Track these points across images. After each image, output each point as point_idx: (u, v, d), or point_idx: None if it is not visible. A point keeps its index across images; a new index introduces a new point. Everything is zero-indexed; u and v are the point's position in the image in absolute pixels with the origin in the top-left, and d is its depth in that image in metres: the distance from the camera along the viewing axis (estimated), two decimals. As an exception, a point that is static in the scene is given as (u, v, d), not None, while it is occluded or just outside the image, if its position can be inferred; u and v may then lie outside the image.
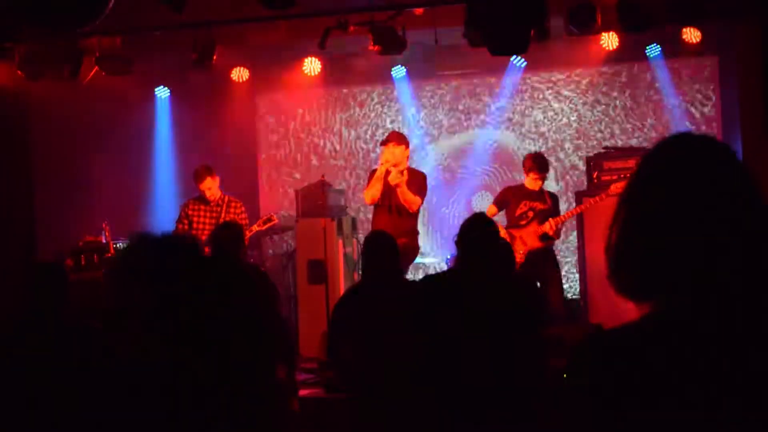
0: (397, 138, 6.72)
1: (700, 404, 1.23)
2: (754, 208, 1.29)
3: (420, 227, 6.89)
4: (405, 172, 6.52)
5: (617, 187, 6.64)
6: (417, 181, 6.64)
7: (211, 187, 7.09)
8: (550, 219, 6.75)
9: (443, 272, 4.36)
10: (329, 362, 4.74)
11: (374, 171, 6.75)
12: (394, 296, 4.36)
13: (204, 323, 1.30)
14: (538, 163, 6.83)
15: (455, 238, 4.10)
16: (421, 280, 4.33)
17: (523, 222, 6.81)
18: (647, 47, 8.06)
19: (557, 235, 6.89)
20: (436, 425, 4.12)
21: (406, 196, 6.50)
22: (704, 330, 1.26)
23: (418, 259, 7.23)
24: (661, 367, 1.25)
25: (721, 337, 1.25)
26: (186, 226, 7.17)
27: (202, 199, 7.16)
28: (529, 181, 6.87)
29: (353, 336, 4.39)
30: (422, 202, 6.70)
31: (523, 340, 3.92)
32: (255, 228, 7.09)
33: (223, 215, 7.09)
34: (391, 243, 4.51)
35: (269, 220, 7.17)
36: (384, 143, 6.73)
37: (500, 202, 7.02)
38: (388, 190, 6.63)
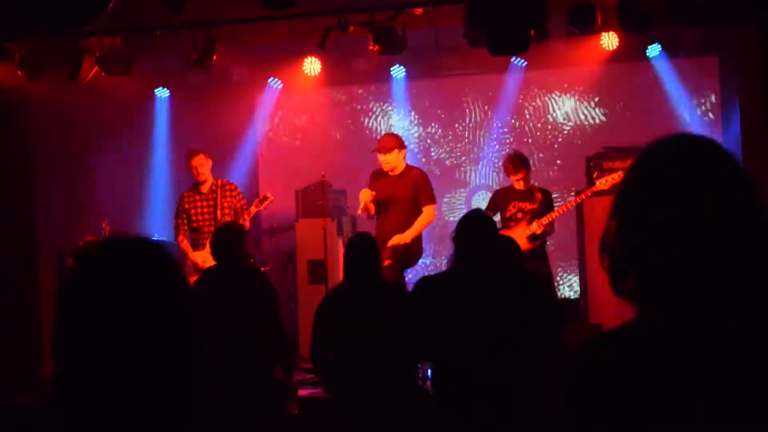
0: (387, 144, 6.64)
1: (683, 415, 1.21)
2: (748, 212, 1.27)
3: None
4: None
5: (602, 183, 6.66)
6: (422, 188, 6.62)
7: (203, 164, 7.09)
8: (536, 220, 6.71)
9: (441, 273, 4.34)
10: (314, 363, 4.76)
11: (376, 171, 6.78)
12: (370, 297, 4.38)
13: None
14: (512, 164, 6.83)
15: (453, 235, 4.07)
16: (418, 281, 4.32)
17: (513, 224, 6.80)
18: (647, 47, 8.06)
19: (547, 232, 6.85)
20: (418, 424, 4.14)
21: (420, 228, 6.57)
22: (690, 338, 1.24)
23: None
24: (647, 376, 1.23)
25: (708, 346, 1.23)
26: (185, 221, 7.16)
27: (195, 190, 7.15)
28: (514, 182, 6.88)
29: (333, 337, 4.41)
30: (435, 201, 6.74)
31: (527, 339, 3.90)
32: (253, 209, 7.06)
33: (219, 201, 7.07)
34: (369, 244, 4.53)
35: (265, 198, 7.11)
36: (374, 150, 6.73)
37: (492, 206, 7.01)
38: (387, 194, 6.62)
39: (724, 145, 1.38)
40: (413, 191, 6.58)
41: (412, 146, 9.15)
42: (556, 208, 6.88)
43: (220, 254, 4.92)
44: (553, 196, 7.23)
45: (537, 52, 7.09)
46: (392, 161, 6.60)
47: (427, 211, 6.59)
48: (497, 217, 6.97)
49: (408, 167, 6.76)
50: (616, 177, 6.64)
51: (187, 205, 7.16)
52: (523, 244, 6.68)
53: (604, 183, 6.67)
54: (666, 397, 1.22)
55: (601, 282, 6.83)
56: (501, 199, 6.98)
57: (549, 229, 6.82)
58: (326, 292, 6.68)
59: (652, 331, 1.26)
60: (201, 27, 6.94)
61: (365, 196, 6.55)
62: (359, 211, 6.67)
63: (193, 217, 7.14)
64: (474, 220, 4.13)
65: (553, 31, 6.63)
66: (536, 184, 7.11)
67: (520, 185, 6.86)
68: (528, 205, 6.80)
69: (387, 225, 6.61)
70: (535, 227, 6.67)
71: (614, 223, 1.33)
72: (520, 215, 6.80)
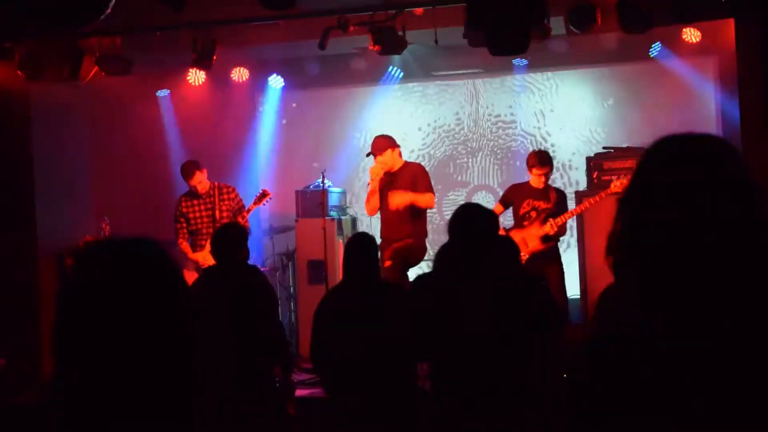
0: (379, 146, 6.67)
1: (683, 415, 1.21)
2: (748, 212, 1.27)
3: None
4: (404, 196, 6.46)
5: (617, 186, 6.62)
6: (420, 178, 6.62)
7: (202, 180, 7.11)
8: (550, 219, 6.72)
9: (438, 271, 4.27)
10: (314, 364, 4.75)
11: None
12: (370, 297, 4.37)
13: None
14: (540, 158, 6.81)
15: (447, 228, 3.98)
16: (415, 280, 4.29)
17: (526, 222, 6.79)
18: (648, 47, 8.05)
19: (560, 233, 6.85)
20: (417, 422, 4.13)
21: (419, 203, 6.51)
22: (690, 338, 1.24)
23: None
24: (647, 376, 1.23)
25: (708, 346, 1.23)
26: (184, 224, 7.17)
27: (192, 193, 7.16)
28: (534, 179, 6.86)
29: (333, 337, 4.40)
30: (434, 192, 6.72)
31: (527, 339, 3.89)
32: (252, 207, 7.09)
33: (216, 203, 7.08)
34: (369, 244, 4.53)
35: (263, 195, 7.14)
36: (368, 154, 6.77)
37: (505, 201, 7.01)
38: (387, 190, 6.62)
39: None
40: (411, 184, 6.59)
41: (411, 146, 9.16)
42: (570, 209, 6.87)
43: (221, 254, 4.92)
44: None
45: (537, 51, 7.10)
46: (387, 161, 6.63)
47: (427, 197, 6.59)
48: (509, 213, 6.99)
49: (406, 163, 6.79)
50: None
51: (185, 209, 7.17)
52: (536, 244, 6.70)
53: (618, 185, 6.62)
54: (666, 397, 1.22)
55: (601, 282, 6.83)
56: (515, 195, 6.96)
57: (562, 230, 6.83)
58: (326, 292, 6.70)
59: (652, 331, 1.26)
60: (201, 27, 6.94)
61: (377, 168, 6.58)
62: (369, 181, 6.70)
63: (192, 221, 7.14)
64: (472, 213, 3.98)
65: (553, 31, 6.63)
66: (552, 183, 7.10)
67: (540, 182, 6.83)
68: (542, 204, 6.79)
69: (388, 222, 6.62)
70: (549, 228, 6.68)
71: (618, 223, 1.33)
72: (533, 214, 6.79)
